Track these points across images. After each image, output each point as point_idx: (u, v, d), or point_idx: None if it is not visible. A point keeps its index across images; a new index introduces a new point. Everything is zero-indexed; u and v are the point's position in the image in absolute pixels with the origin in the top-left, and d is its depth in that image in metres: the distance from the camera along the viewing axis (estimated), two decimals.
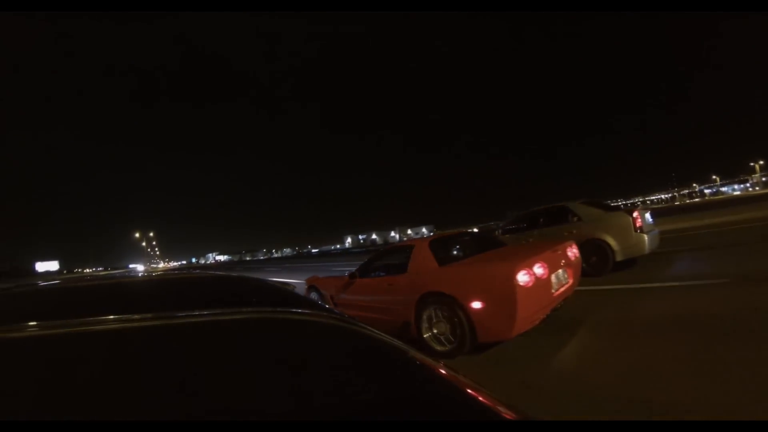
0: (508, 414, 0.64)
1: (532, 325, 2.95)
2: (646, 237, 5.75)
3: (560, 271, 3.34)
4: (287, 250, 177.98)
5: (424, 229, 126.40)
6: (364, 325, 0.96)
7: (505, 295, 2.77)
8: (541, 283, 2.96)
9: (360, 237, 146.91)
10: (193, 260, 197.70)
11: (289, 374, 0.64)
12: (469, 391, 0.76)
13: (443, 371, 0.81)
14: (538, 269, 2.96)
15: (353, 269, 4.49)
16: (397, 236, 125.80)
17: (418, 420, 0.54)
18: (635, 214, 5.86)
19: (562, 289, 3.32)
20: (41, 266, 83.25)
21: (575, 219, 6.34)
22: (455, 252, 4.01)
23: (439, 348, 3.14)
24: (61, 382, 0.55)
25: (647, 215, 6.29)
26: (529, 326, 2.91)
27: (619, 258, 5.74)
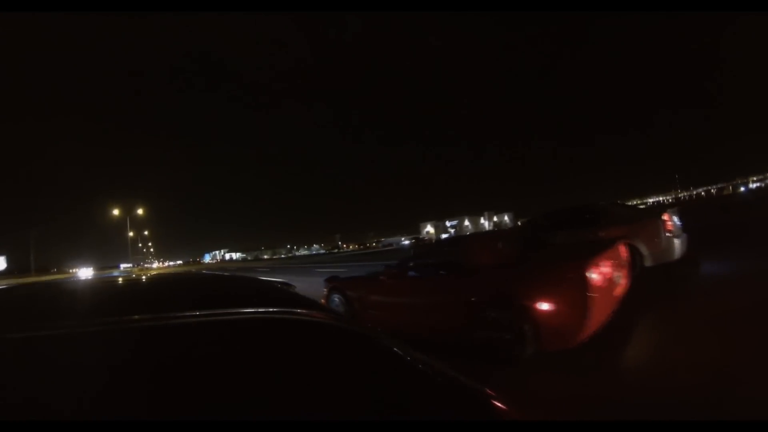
0: (510, 414, 0.66)
1: (595, 329, 2.70)
2: (677, 242, 5.43)
3: (617, 272, 3.13)
4: (315, 247, 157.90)
5: (506, 217, 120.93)
6: (363, 325, 0.96)
7: (575, 295, 2.56)
8: (607, 283, 2.78)
9: (449, 223, 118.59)
10: (207, 258, 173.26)
11: (289, 374, 0.65)
12: (471, 390, 0.78)
13: (445, 371, 0.82)
14: (605, 268, 2.78)
15: (371, 269, 4.26)
16: (486, 223, 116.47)
17: (417, 420, 0.56)
18: (665, 216, 5.50)
19: (620, 290, 3.12)
20: None
21: (604, 221, 5.94)
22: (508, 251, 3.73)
23: (494, 355, 2.87)
24: (62, 382, 0.56)
25: (675, 218, 5.86)
26: (593, 330, 2.67)
27: (647, 263, 5.41)
